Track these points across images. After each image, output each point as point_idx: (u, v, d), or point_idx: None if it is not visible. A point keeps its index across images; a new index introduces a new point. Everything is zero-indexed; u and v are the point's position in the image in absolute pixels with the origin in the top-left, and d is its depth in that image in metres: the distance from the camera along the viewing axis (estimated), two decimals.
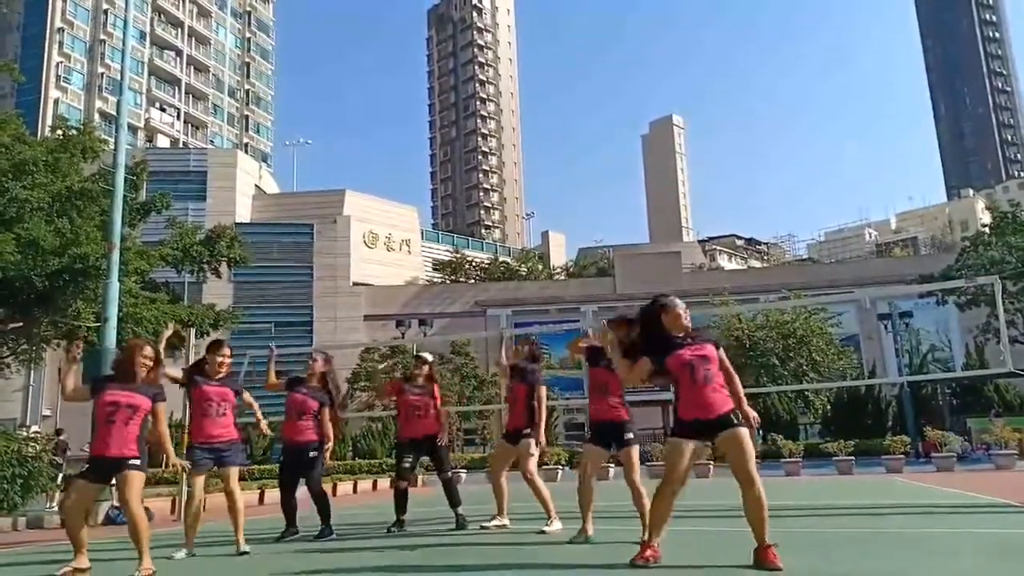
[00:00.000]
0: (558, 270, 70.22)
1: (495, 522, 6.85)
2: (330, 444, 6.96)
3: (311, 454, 6.87)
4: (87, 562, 5.03)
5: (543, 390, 6.72)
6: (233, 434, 6.12)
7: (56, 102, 60.03)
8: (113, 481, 5.13)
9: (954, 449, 19.30)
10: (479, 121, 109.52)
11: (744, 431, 4.35)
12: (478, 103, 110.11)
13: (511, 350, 7.24)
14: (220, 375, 6.21)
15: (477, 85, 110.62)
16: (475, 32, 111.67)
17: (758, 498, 4.23)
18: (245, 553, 5.89)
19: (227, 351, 6.30)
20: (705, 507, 8.82)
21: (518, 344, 7.18)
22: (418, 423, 7.28)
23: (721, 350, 4.60)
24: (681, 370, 4.49)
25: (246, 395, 6.39)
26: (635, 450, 5.75)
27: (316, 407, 6.94)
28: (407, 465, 7.29)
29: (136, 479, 5.02)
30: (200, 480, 5.98)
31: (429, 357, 7.59)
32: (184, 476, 6.83)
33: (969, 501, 8.87)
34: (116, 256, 11.50)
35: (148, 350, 5.24)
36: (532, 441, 6.63)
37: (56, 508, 11.06)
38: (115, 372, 5.26)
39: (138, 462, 5.03)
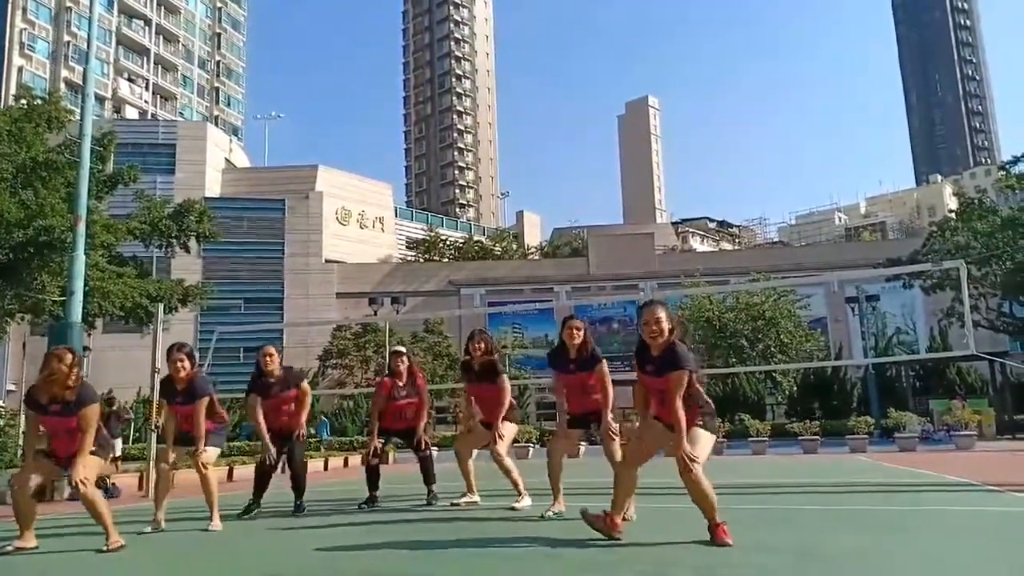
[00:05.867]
0: (532, 250, 70.27)
1: (465, 499, 6.89)
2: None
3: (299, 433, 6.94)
4: (35, 540, 4.97)
5: (506, 381, 6.72)
6: (208, 428, 6.03)
7: (20, 70, 58.46)
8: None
9: (915, 430, 19.75)
10: (455, 98, 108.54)
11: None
12: (454, 80, 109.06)
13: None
14: (182, 388, 5.97)
15: (453, 61, 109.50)
16: (451, 7, 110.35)
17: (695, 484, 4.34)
18: (216, 529, 5.87)
19: (181, 356, 5.96)
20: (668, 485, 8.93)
21: (473, 342, 6.77)
22: (402, 420, 7.35)
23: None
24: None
25: (203, 407, 5.97)
26: (614, 424, 5.79)
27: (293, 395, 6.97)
28: (380, 443, 7.32)
29: (89, 463, 4.94)
30: (172, 455, 5.96)
31: (403, 350, 7.52)
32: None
33: (929, 480, 9.09)
34: (82, 229, 11.29)
35: (63, 358, 4.89)
36: (511, 424, 6.66)
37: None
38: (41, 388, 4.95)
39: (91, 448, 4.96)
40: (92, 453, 4.96)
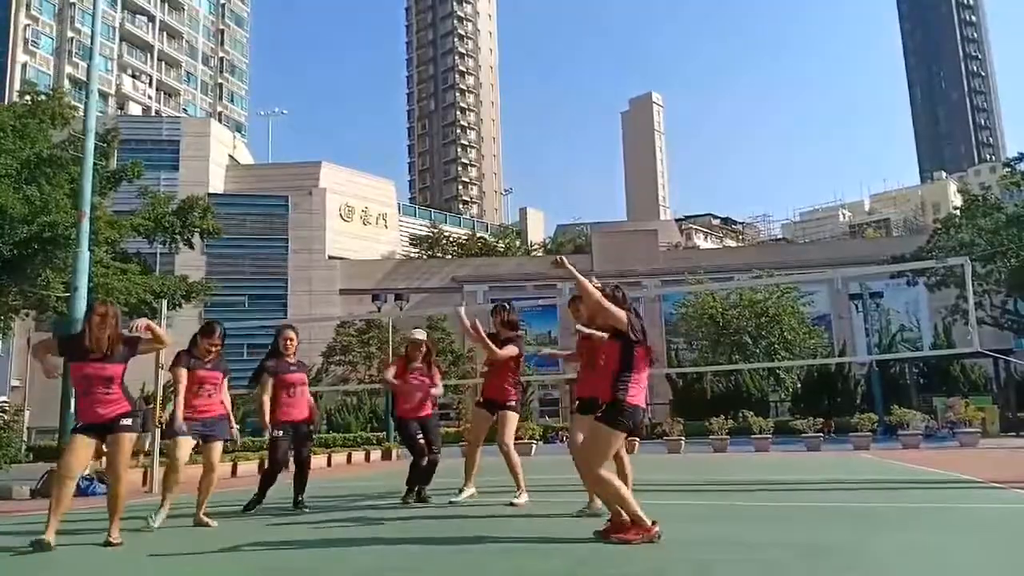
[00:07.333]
0: (535, 246, 70.20)
1: (464, 494, 6.86)
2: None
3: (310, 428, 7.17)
4: (53, 537, 4.75)
5: (514, 349, 6.71)
6: (221, 410, 6.19)
7: (24, 66, 58.55)
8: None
9: (918, 427, 19.70)
10: (458, 94, 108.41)
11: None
12: (457, 76, 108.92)
13: (472, 321, 6.81)
14: (210, 358, 6.17)
15: (456, 58, 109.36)
16: (455, 3, 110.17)
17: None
18: (206, 525, 5.91)
19: (217, 338, 6.21)
20: (668, 482, 8.93)
21: (492, 314, 6.98)
22: (419, 404, 7.38)
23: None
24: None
25: (225, 385, 6.33)
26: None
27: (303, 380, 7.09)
28: (421, 439, 7.32)
29: (126, 441, 4.95)
30: (187, 445, 5.94)
31: (422, 336, 7.54)
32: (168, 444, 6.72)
33: (932, 477, 9.08)
34: (86, 225, 11.32)
35: (101, 310, 5.09)
36: (513, 413, 6.66)
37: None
38: (82, 339, 5.00)
39: (130, 421, 4.96)
40: (129, 428, 4.96)
